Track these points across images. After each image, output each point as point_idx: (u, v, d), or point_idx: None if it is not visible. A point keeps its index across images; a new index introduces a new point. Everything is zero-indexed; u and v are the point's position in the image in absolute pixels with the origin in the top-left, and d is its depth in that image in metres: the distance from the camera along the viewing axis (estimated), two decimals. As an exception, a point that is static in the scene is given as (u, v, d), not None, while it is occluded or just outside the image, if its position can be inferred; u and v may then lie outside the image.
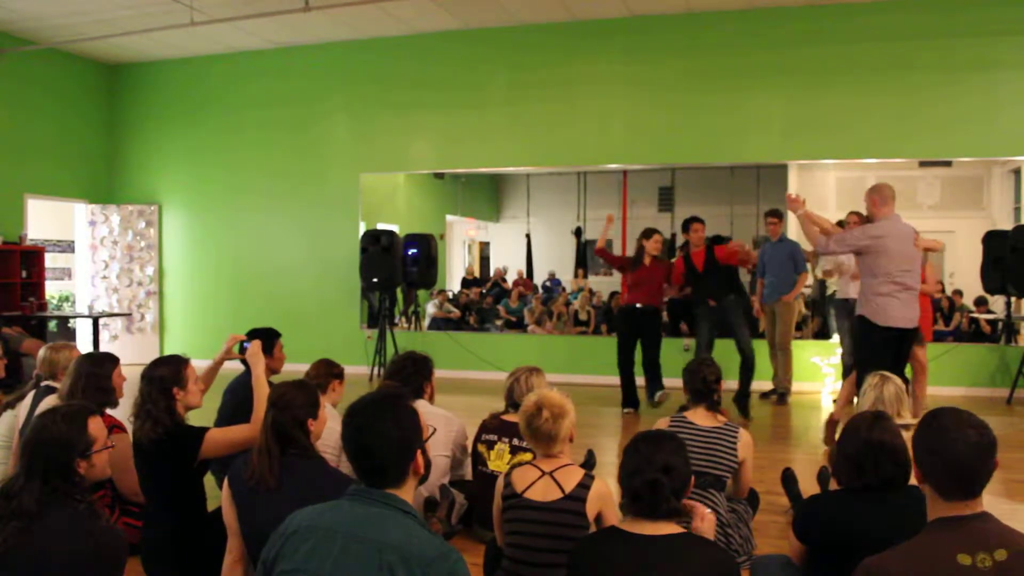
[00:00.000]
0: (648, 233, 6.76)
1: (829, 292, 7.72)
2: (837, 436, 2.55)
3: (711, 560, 1.98)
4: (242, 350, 3.62)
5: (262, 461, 2.55)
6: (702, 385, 3.54)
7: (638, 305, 6.67)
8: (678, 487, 2.05)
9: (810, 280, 8.23)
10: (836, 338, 7.62)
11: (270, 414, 2.61)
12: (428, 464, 1.94)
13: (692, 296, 6.80)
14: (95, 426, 2.24)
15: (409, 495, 1.87)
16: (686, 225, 6.75)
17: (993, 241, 7.37)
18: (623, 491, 2.09)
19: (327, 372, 3.89)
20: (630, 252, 7.38)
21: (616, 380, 6.85)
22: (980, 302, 8.92)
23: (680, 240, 7.07)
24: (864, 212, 7.18)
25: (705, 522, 2.26)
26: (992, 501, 4.30)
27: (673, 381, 6.41)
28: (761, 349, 7.68)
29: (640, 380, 6.82)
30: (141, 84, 10.13)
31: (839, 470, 2.48)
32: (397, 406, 1.89)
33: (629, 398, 6.85)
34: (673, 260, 7.06)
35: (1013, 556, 1.72)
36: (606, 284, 11.78)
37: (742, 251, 6.55)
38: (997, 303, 8.32)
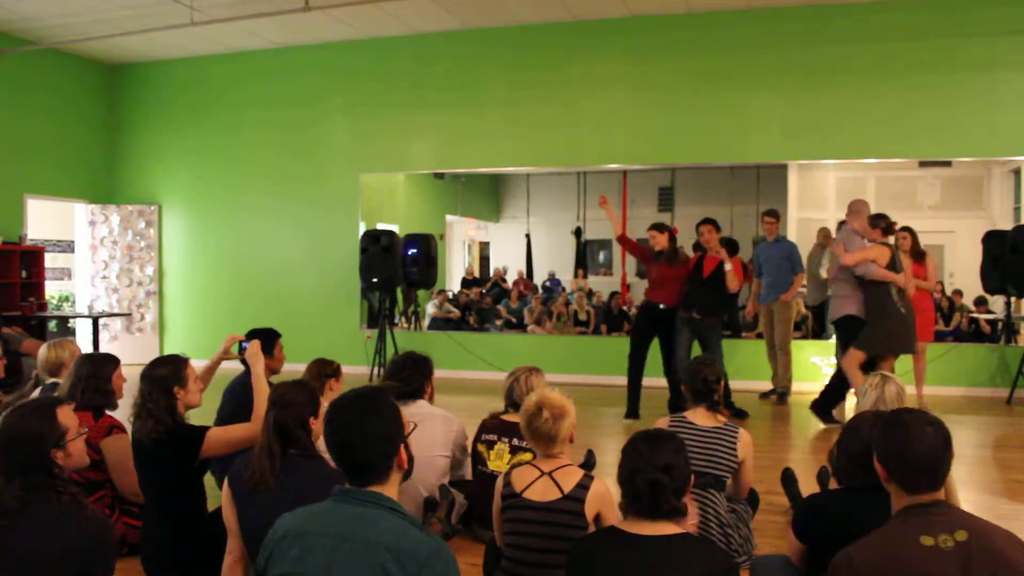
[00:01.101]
0: (649, 229, 6.48)
1: (830, 292, 7.73)
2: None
3: (710, 560, 1.98)
4: (241, 350, 3.62)
5: (263, 461, 2.55)
6: (703, 385, 3.53)
7: (662, 305, 6.31)
8: (679, 486, 2.05)
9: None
10: (835, 338, 7.61)
11: (271, 413, 2.61)
12: (411, 459, 1.93)
13: (686, 301, 6.32)
14: (64, 415, 2.24)
15: (394, 491, 1.87)
16: (697, 227, 6.48)
17: (993, 241, 7.37)
18: (623, 491, 2.08)
19: (319, 373, 3.89)
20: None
21: (617, 380, 6.60)
22: (980, 302, 8.92)
23: (681, 240, 6.88)
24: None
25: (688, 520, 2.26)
26: (992, 501, 4.30)
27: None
28: (759, 348, 7.71)
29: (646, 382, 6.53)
30: (141, 84, 10.13)
31: (840, 469, 2.48)
32: (378, 401, 1.89)
33: (633, 407, 6.43)
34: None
35: (973, 536, 1.82)
36: (606, 284, 11.80)
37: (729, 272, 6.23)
38: (997, 303, 8.32)
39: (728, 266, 6.20)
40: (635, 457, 2.07)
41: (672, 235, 6.40)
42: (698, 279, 6.30)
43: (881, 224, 5.87)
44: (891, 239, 5.94)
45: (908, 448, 1.90)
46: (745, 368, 7.80)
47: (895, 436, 1.94)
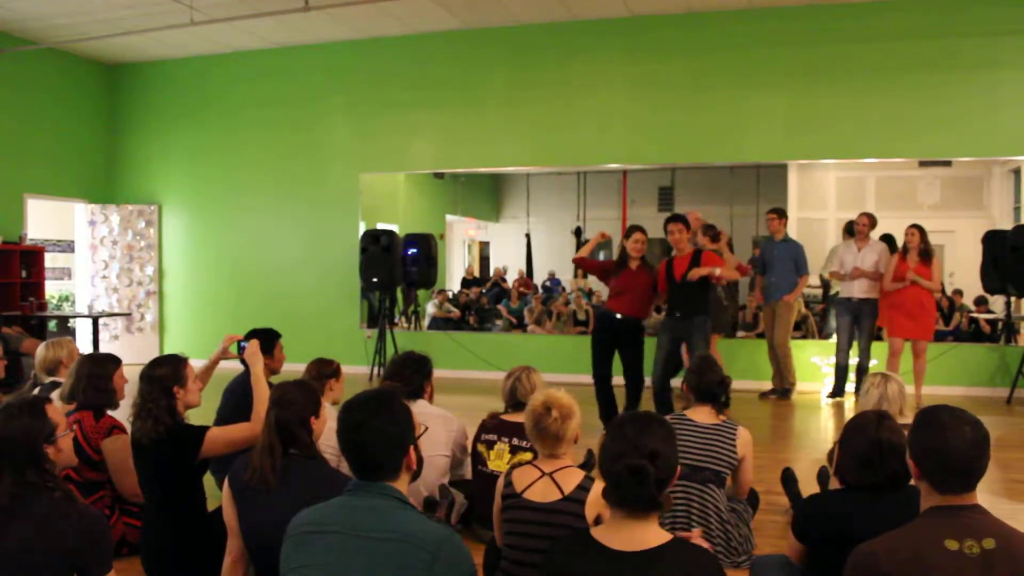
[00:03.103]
0: (628, 232, 5.94)
1: (832, 292, 7.75)
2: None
3: (695, 568, 1.82)
4: (240, 350, 3.62)
5: (264, 460, 2.55)
6: (719, 388, 3.53)
7: (618, 315, 5.81)
8: (663, 477, 1.84)
9: (815, 281, 8.22)
10: (834, 338, 7.62)
11: (273, 413, 2.61)
12: (420, 461, 2.00)
13: (666, 305, 5.93)
14: (53, 412, 2.25)
15: (404, 489, 1.93)
16: (664, 225, 5.82)
17: (993, 241, 7.37)
18: (604, 476, 1.90)
19: (319, 373, 3.88)
20: None
21: (617, 380, 6.14)
22: (980, 301, 8.92)
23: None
24: (871, 213, 7.29)
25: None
26: (992, 501, 4.30)
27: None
28: (759, 348, 7.71)
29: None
30: (141, 84, 10.13)
31: (843, 468, 2.47)
32: (391, 402, 1.96)
33: (608, 411, 5.99)
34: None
35: (1001, 545, 1.75)
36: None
37: (721, 275, 5.70)
38: (997, 303, 8.32)
39: (717, 271, 5.63)
40: (620, 440, 1.87)
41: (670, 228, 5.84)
42: (672, 283, 5.75)
43: (710, 233, 6.80)
44: (719, 244, 6.71)
45: (943, 446, 1.83)
46: (747, 368, 7.81)
47: (930, 433, 1.87)
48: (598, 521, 2.60)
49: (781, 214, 7.48)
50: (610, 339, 5.94)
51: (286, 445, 2.60)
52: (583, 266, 6.42)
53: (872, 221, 7.11)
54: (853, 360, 7.15)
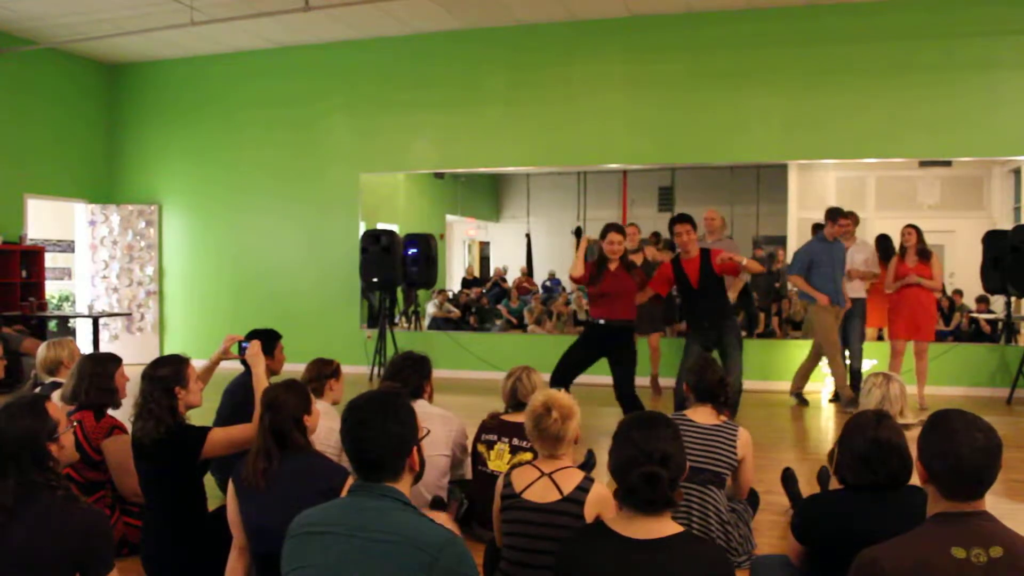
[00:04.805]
0: (603, 231, 5.38)
1: None
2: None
3: (704, 560, 1.89)
4: (241, 351, 3.62)
5: (258, 463, 2.59)
6: (718, 387, 3.53)
7: (601, 321, 5.33)
8: (675, 476, 1.93)
9: None
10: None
11: (267, 417, 2.65)
12: (423, 462, 2.00)
13: (684, 315, 5.78)
14: (53, 409, 2.26)
15: (406, 491, 1.93)
16: (670, 225, 5.61)
17: (993, 241, 7.37)
18: (617, 483, 1.96)
19: (319, 373, 3.88)
20: None
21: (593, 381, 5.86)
22: (981, 300, 8.91)
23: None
24: (857, 214, 7.28)
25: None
26: (992, 501, 4.27)
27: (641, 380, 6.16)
28: (768, 348, 7.69)
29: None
30: (141, 84, 10.13)
31: (844, 468, 2.47)
32: (395, 403, 1.96)
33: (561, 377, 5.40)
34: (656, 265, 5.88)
35: (1009, 554, 1.73)
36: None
37: (748, 265, 5.41)
38: (997, 303, 8.32)
39: (744, 260, 5.33)
40: (629, 446, 1.93)
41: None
42: (689, 291, 5.52)
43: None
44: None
45: (953, 452, 1.79)
46: (747, 369, 7.79)
47: (941, 438, 1.84)
48: (597, 521, 2.61)
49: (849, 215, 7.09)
50: (596, 349, 5.42)
51: (282, 446, 2.62)
52: (583, 283, 5.58)
53: (856, 220, 7.12)
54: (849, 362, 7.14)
